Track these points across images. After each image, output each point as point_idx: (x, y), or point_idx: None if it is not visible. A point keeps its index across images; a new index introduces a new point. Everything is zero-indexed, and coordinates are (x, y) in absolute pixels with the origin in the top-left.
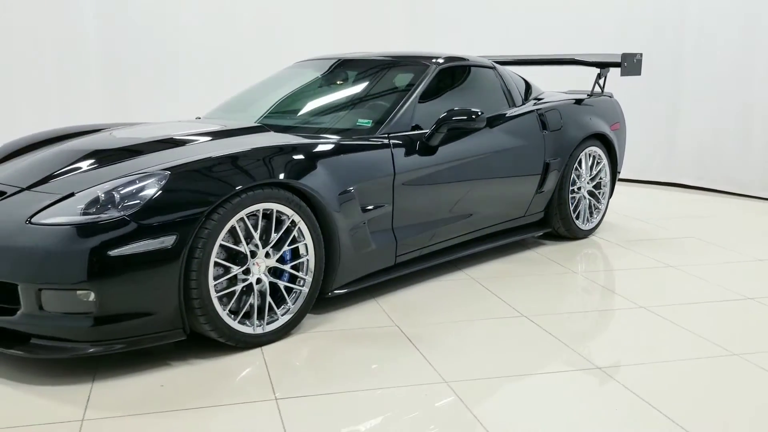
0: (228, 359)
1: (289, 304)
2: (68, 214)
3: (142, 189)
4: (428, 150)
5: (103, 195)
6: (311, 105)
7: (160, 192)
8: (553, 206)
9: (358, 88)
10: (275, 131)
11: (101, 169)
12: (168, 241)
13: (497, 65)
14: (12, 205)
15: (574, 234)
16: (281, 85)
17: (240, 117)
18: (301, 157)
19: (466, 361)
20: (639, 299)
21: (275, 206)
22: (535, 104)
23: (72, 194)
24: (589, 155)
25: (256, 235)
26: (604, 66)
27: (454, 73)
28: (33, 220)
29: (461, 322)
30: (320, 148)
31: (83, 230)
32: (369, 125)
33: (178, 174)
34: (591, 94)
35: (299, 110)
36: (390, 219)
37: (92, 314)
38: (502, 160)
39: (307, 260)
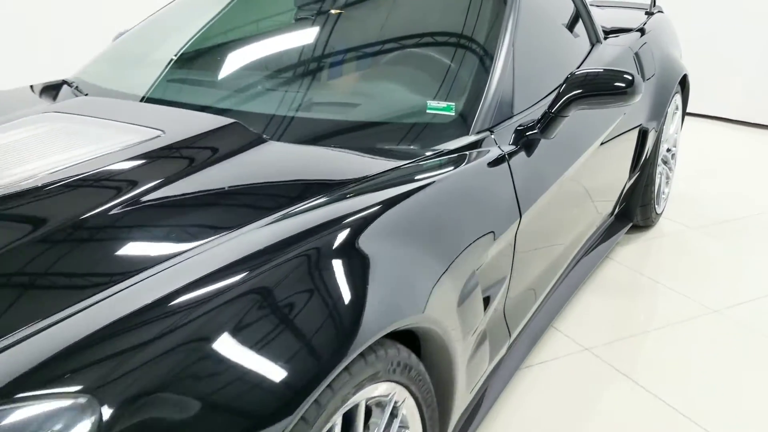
0: None
1: None
2: None
3: None
4: (540, 148)
5: None
6: (312, 69)
7: None
8: (639, 189)
9: (392, 33)
10: (259, 129)
11: None
12: None
13: None
14: None
15: (649, 221)
16: (214, 20)
17: (161, 89)
18: (390, 242)
19: None
20: None
21: (373, 390)
22: (619, 37)
23: None
24: (674, 107)
25: None
26: None
27: None
28: None
29: None
30: (414, 200)
31: None
32: (451, 113)
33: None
34: (651, 12)
35: (289, 80)
36: (504, 299)
37: None
38: (609, 139)
39: None
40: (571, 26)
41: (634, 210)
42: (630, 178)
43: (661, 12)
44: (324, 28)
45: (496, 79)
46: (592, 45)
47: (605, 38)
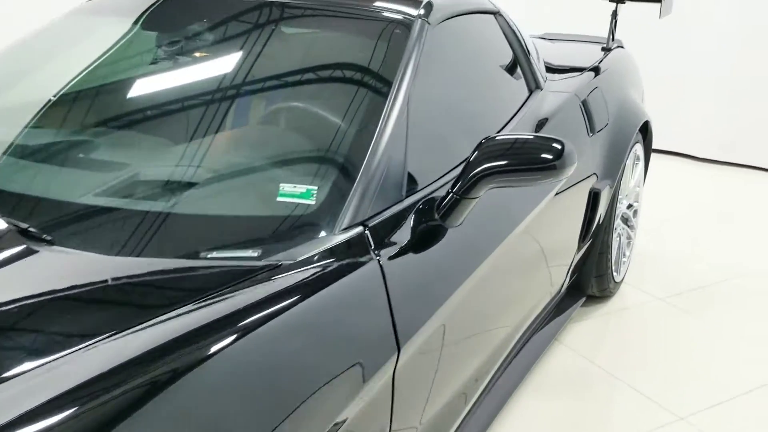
0: None
1: None
2: None
3: None
4: (448, 236)
5: None
6: (147, 132)
7: None
8: (592, 259)
9: (253, 85)
10: (46, 223)
11: None
12: None
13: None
14: None
15: (607, 292)
16: (50, 73)
17: None
18: None
19: None
20: None
21: None
22: (566, 80)
23: None
24: (633, 158)
25: None
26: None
27: (443, 32)
28: None
29: None
30: (215, 363)
31: None
32: (310, 201)
33: None
34: (609, 47)
35: (110, 149)
36: None
37: None
38: (543, 212)
39: None
40: (505, 71)
41: (588, 281)
42: (580, 248)
43: (621, 47)
44: (173, 78)
45: (380, 149)
46: (531, 92)
47: (552, 79)
